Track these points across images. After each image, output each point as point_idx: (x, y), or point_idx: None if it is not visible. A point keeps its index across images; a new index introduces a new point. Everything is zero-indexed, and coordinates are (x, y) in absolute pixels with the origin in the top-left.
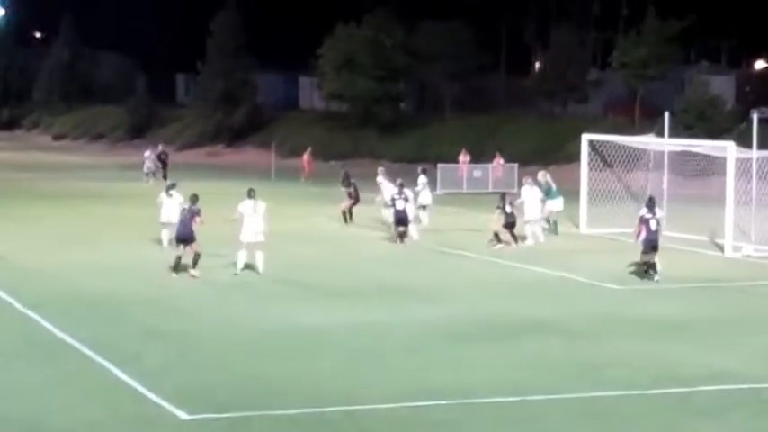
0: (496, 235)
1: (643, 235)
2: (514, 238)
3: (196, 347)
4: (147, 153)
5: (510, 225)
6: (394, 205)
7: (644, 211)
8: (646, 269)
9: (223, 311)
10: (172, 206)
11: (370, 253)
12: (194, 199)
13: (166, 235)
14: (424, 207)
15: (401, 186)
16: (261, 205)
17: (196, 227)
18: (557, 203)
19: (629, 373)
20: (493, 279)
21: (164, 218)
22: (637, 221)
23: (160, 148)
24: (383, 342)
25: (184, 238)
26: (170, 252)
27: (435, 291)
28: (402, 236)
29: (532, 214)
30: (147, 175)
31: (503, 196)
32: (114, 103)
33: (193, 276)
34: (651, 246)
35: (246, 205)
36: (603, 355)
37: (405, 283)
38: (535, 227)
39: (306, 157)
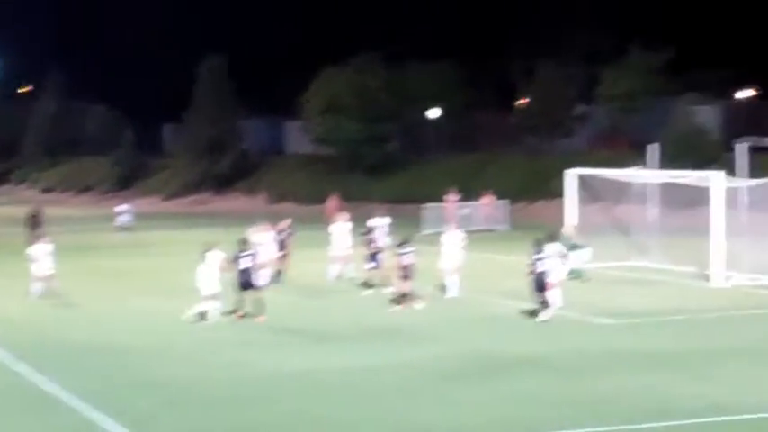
0: (403, 296)
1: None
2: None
3: (185, 396)
4: (124, 207)
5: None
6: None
7: (533, 252)
8: (534, 309)
9: (212, 359)
10: (44, 260)
11: (352, 296)
12: (244, 242)
13: (38, 288)
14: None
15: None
16: None
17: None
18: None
19: (623, 408)
20: (478, 316)
21: (38, 272)
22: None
23: (32, 207)
24: (374, 384)
25: (251, 284)
26: (37, 302)
27: (420, 330)
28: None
29: (449, 263)
30: (126, 229)
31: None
32: (101, 154)
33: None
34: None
35: None
36: (596, 390)
37: (389, 324)
38: (453, 277)
39: (331, 202)
